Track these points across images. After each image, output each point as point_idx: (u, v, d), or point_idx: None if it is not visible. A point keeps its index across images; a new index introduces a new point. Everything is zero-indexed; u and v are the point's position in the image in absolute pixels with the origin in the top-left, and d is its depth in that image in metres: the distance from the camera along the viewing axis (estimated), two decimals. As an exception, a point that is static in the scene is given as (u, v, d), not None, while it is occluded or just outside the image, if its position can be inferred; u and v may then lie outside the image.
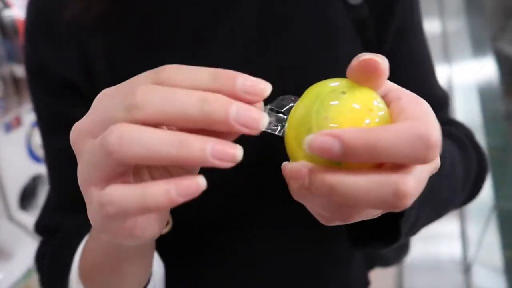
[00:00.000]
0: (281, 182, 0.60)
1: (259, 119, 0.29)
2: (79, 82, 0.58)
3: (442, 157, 0.40)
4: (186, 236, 0.63)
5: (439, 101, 0.67)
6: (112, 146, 0.28)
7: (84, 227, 0.55)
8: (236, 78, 0.30)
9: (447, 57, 2.60)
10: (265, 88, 0.31)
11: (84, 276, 0.50)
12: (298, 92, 0.52)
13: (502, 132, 2.13)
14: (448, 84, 2.47)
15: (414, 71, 0.65)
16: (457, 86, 2.48)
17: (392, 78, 0.53)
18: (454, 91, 2.44)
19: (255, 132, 0.30)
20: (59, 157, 0.61)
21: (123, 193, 0.29)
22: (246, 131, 0.29)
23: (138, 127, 0.28)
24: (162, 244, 0.55)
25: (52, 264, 0.57)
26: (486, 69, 2.39)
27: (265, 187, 0.60)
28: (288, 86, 0.58)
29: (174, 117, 0.29)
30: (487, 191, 1.95)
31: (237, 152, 0.29)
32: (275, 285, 0.67)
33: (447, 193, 0.54)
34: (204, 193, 0.58)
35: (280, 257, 0.66)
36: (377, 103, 0.33)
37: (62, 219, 0.60)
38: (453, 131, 0.63)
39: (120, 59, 0.57)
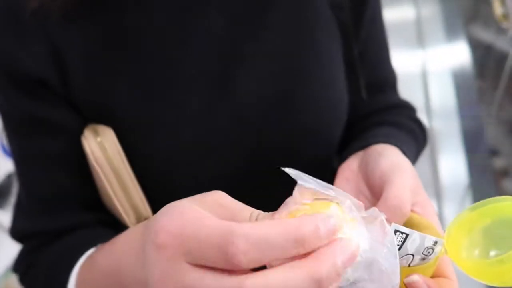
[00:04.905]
0: (276, 177, 0.60)
1: None
2: (50, 78, 0.55)
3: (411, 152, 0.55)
4: None
5: (391, 82, 0.74)
6: None
7: (75, 247, 0.54)
8: (318, 230, 0.31)
9: (421, 43, 2.62)
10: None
11: None
12: (281, 96, 0.54)
13: (475, 115, 2.16)
14: (422, 69, 2.49)
15: (376, 54, 0.70)
16: (431, 71, 2.50)
17: (361, 56, 0.63)
18: (428, 76, 2.47)
19: None
20: (33, 160, 0.59)
21: None
22: None
23: None
24: None
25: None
26: (460, 53, 2.42)
27: (261, 182, 0.61)
28: (269, 89, 0.58)
29: None
30: (462, 171, 1.98)
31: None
32: None
33: None
34: (208, 181, 0.58)
35: None
36: None
37: (39, 223, 0.59)
38: (411, 125, 0.69)
39: (94, 51, 0.55)
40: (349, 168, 0.56)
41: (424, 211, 0.46)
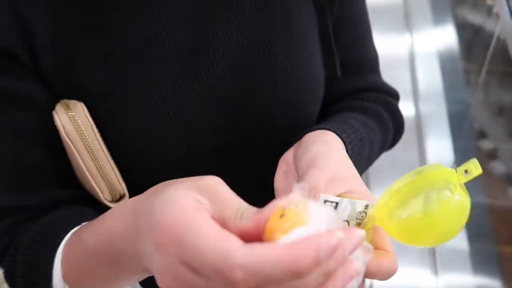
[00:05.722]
0: (256, 148, 0.60)
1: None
2: (19, 52, 0.54)
3: (361, 140, 0.58)
4: None
5: (371, 62, 0.73)
6: None
7: (57, 225, 0.54)
8: (318, 262, 0.31)
9: (408, 25, 2.62)
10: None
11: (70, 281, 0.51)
12: (254, 70, 0.54)
13: (462, 98, 2.17)
14: (409, 52, 2.50)
15: (355, 31, 0.69)
16: (418, 54, 2.51)
17: (335, 36, 0.62)
18: (415, 59, 2.47)
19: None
20: (4, 135, 0.57)
21: None
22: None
23: None
24: None
25: (28, 270, 0.55)
26: (447, 36, 2.42)
27: (237, 156, 0.61)
28: (241, 63, 0.58)
29: None
30: (448, 154, 2.00)
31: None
32: None
33: (364, 166, 0.61)
34: (184, 157, 0.58)
35: None
36: None
37: (12, 199, 0.58)
38: (378, 110, 0.69)
39: (64, 27, 0.54)
40: (286, 161, 0.56)
41: (362, 196, 0.48)
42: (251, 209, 0.35)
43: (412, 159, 2.03)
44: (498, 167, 1.72)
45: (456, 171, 0.41)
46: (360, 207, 0.42)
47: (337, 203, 0.41)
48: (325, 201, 0.41)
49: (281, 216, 0.32)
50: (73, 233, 0.53)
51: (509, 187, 1.69)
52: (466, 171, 0.40)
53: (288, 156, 0.57)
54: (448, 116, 2.17)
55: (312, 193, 0.44)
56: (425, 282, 1.69)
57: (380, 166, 0.78)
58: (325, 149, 0.53)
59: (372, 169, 0.55)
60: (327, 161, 0.50)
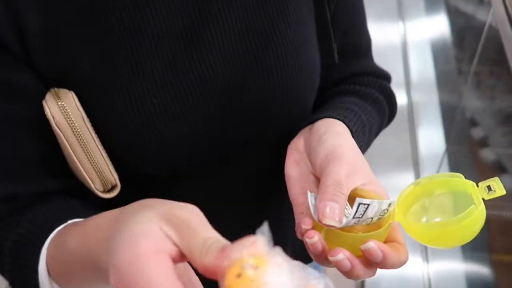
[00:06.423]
0: (244, 138, 0.60)
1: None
2: (8, 40, 0.53)
3: (363, 127, 0.61)
4: (153, 188, 0.63)
5: (365, 47, 0.74)
6: None
7: (44, 222, 0.54)
8: None
9: (401, 14, 2.62)
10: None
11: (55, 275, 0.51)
12: (250, 56, 0.54)
13: (454, 87, 2.18)
14: (402, 41, 2.50)
15: (350, 18, 0.69)
16: (411, 43, 2.51)
17: (332, 22, 0.64)
18: (408, 48, 2.48)
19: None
20: None
21: None
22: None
23: None
24: (129, 201, 0.55)
25: (14, 265, 0.55)
26: (440, 25, 2.43)
27: (233, 145, 0.61)
28: (236, 48, 0.58)
29: None
30: (440, 142, 2.01)
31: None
32: (231, 228, 0.69)
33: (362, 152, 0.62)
34: (177, 146, 0.58)
35: (240, 205, 0.68)
36: None
37: (6, 189, 0.58)
38: (376, 95, 0.71)
39: (54, 14, 0.54)
40: (297, 149, 0.58)
41: (375, 188, 0.51)
42: (219, 242, 0.35)
43: (403, 146, 2.04)
44: (488, 154, 1.73)
45: (477, 185, 0.47)
46: (384, 206, 0.47)
47: (368, 205, 0.45)
48: (359, 204, 0.45)
49: (238, 276, 0.32)
50: (59, 232, 0.52)
51: (500, 174, 1.70)
52: (488, 188, 0.46)
53: (298, 144, 0.58)
54: (440, 104, 2.18)
55: (337, 189, 0.47)
56: (416, 269, 1.71)
57: (372, 154, 0.79)
58: (339, 141, 0.54)
59: (364, 157, 0.56)
60: (345, 154, 0.51)
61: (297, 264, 0.33)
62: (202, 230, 0.36)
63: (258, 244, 0.33)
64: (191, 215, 0.37)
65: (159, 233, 0.36)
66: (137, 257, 0.34)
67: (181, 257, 0.36)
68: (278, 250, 0.33)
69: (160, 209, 0.37)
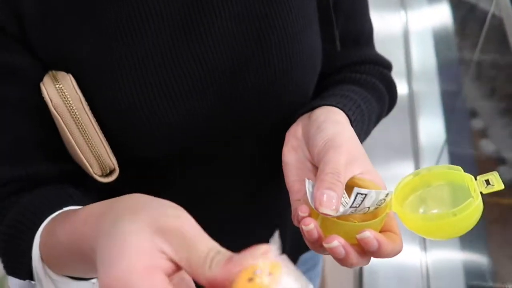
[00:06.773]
0: (243, 123, 0.60)
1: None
2: (6, 23, 0.53)
3: (362, 116, 0.61)
4: (151, 175, 0.63)
5: (366, 35, 0.74)
6: None
7: (39, 208, 0.54)
8: None
9: (403, 3, 2.60)
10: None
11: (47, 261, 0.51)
12: (250, 40, 0.53)
13: (456, 76, 2.17)
14: (404, 30, 2.48)
15: (351, 5, 0.69)
16: (413, 32, 2.49)
17: (334, 8, 0.64)
18: (410, 37, 2.46)
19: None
20: None
21: None
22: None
23: None
24: (127, 185, 0.55)
25: (8, 248, 0.55)
26: (442, 14, 2.41)
27: (229, 125, 0.61)
28: (237, 33, 0.57)
29: None
30: (440, 132, 2.01)
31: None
32: (223, 221, 0.68)
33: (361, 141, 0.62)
34: (175, 131, 0.59)
35: (237, 191, 0.69)
36: None
37: (4, 172, 0.58)
38: (376, 83, 0.71)
39: (53, 1, 0.53)
40: (295, 136, 0.58)
41: (372, 177, 0.52)
42: (222, 254, 0.34)
43: (403, 136, 2.04)
44: (488, 146, 1.73)
45: (476, 179, 0.47)
46: (382, 196, 0.47)
47: (366, 195, 0.46)
48: (357, 194, 0.45)
49: (250, 280, 0.31)
50: (53, 219, 0.52)
51: (499, 165, 1.70)
52: (487, 182, 0.46)
53: (296, 131, 0.58)
54: (441, 94, 2.17)
55: (335, 177, 0.47)
56: (414, 258, 1.71)
57: (372, 143, 0.79)
58: (338, 129, 0.54)
59: (363, 146, 0.56)
60: (344, 143, 0.51)
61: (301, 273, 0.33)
62: (199, 241, 0.34)
63: (272, 252, 0.32)
64: (182, 223, 0.35)
65: (152, 249, 0.34)
66: (130, 275, 0.32)
67: (176, 270, 0.35)
68: (285, 257, 0.32)
69: (150, 217, 0.35)
